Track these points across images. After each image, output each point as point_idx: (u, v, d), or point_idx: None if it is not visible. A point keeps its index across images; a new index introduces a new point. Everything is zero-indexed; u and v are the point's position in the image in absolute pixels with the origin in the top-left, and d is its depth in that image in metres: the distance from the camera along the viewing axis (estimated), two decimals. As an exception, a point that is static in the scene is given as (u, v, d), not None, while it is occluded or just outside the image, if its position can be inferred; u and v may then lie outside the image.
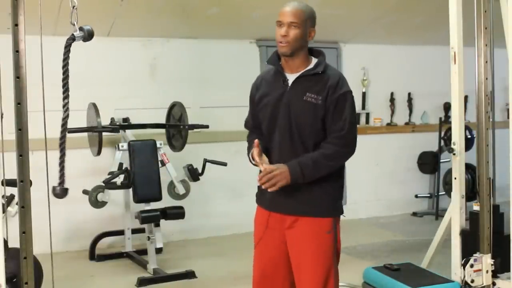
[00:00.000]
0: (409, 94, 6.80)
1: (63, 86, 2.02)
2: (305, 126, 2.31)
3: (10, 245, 2.42)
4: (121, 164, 4.56)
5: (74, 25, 2.06)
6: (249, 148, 2.43)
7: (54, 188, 2.02)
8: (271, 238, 2.41)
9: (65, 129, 2.02)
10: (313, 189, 2.34)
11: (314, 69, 2.34)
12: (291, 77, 2.36)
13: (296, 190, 2.32)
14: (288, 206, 2.36)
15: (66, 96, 2.02)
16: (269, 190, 2.25)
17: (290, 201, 2.35)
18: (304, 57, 2.38)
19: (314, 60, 2.39)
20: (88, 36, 2.09)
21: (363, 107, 6.57)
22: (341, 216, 2.45)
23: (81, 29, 2.09)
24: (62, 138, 2.02)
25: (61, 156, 2.01)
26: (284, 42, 2.29)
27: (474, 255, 3.02)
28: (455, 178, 3.16)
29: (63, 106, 2.01)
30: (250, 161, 2.40)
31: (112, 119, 5.01)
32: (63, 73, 2.02)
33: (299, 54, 2.34)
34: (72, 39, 2.04)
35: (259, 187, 2.47)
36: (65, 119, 2.01)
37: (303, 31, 2.30)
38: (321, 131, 2.33)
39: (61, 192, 2.02)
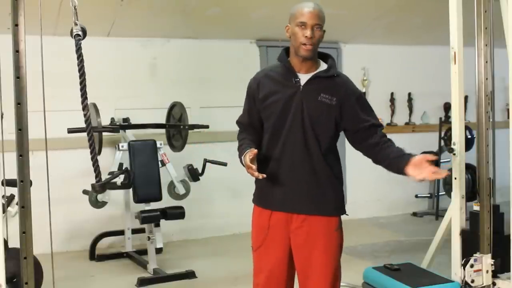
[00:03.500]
0: (409, 94, 6.80)
1: (81, 89, 2.02)
2: (319, 124, 2.33)
3: (10, 245, 2.42)
4: (121, 164, 4.56)
5: (77, 24, 2.06)
6: (242, 148, 2.38)
7: (93, 185, 2.10)
8: (275, 239, 2.38)
9: (90, 128, 2.03)
10: (324, 188, 2.36)
11: (328, 72, 2.37)
12: (303, 77, 2.36)
13: (306, 188, 2.34)
14: (298, 204, 2.35)
15: (85, 97, 2.02)
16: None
17: (300, 199, 2.35)
18: (316, 58, 2.41)
19: (323, 63, 2.42)
20: (84, 35, 2.10)
21: (363, 107, 6.56)
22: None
23: (82, 28, 2.09)
24: (90, 138, 2.04)
25: (92, 155, 2.03)
26: (309, 45, 2.28)
27: (474, 255, 3.02)
28: (455, 178, 3.15)
29: (83, 108, 2.01)
30: (241, 162, 2.36)
31: (112, 119, 5.02)
32: (80, 75, 2.03)
33: (314, 56, 2.37)
34: (80, 38, 2.04)
35: (258, 187, 2.47)
36: (88, 119, 2.02)
37: (323, 34, 2.34)
38: (333, 130, 2.37)
39: (100, 188, 2.10)
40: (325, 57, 2.45)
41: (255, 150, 2.26)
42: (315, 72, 2.37)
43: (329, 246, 2.37)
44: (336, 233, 2.40)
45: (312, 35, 2.27)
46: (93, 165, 2.03)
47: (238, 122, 2.56)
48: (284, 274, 2.41)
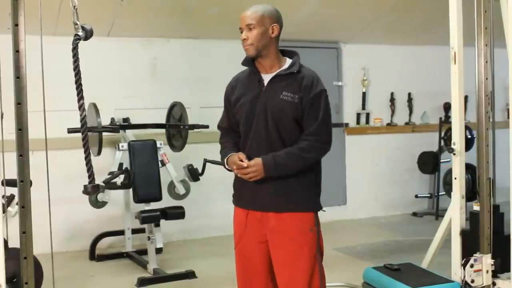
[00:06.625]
0: (409, 94, 6.81)
1: (77, 88, 2.01)
2: (282, 122, 2.36)
3: (10, 245, 2.42)
4: (121, 164, 4.56)
5: (76, 24, 2.06)
6: (225, 152, 2.51)
7: (85, 186, 2.04)
8: (251, 237, 2.43)
9: (85, 129, 2.03)
10: (292, 185, 2.38)
11: (289, 69, 2.40)
12: (266, 77, 2.41)
13: (275, 186, 2.37)
14: (268, 203, 2.38)
15: (81, 97, 2.01)
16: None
17: (270, 198, 2.38)
18: (275, 56, 2.42)
19: (288, 60, 2.45)
20: (90, 35, 2.09)
21: (363, 107, 6.57)
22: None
23: (83, 28, 2.09)
24: (85, 138, 2.03)
25: (86, 156, 2.02)
26: (247, 45, 2.37)
27: (474, 255, 3.02)
28: (455, 178, 3.16)
29: (79, 107, 2.01)
30: (225, 165, 2.48)
31: (112, 119, 5.02)
32: (75, 75, 2.01)
33: (268, 54, 2.39)
34: (78, 39, 2.04)
35: (234, 188, 2.53)
36: (83, 119, 2.02)
37: (262, 30, 2.35)
38: (297, 128, 2.38)
39: (92, 189, 2.05)
40: (292, 54, 2.47)
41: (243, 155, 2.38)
42: (277, 71, 2.40)
43: (303, 246, 2.38)
44: (311, 233, 2.40)
45: (245, 36, 2.36)
46: (87, 165, 2.02)
47: (218, 127, 2.67)
48: (262, 271, 2.44)
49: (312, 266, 2.39)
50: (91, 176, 2.03)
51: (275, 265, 2.41)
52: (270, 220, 2.39)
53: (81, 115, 2.01)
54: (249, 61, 2.45)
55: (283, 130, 2.36)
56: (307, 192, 2.42)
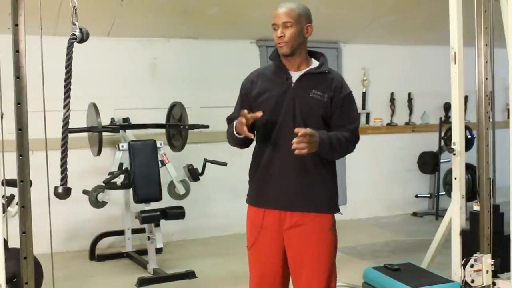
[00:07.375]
0: (409, 94, 6.81)
1: (65, 86, 2.01)
2: (310, 119, 2.35)
3: (10, 245, 2.42)
4: (121, 164, 4.56)
5: (75, 24, 2.06)
6: (232, 125, 2.42)
7: (56, 188, 1.99)
8: (268, 238, 2.40)
9: (66, 129, 2.02)
10: (316, 185, 2.37)
11: (319, 68, 2.41)
12: (294, 75, 2.41)
13: (298, 185, 2.35)
14: (290, 202, 2.36)
15: (67, 96, 2.01)
16: (296, 152, 2.20)
17: (292, 197, 2.36)
18: (305, 55, 2.44)
19: (315, 61, 2.46)
20: (86, 37, 2.09)
21: (363, 107, 6.57)
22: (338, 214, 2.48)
23: (80, 29, 2.09)
24: (64, 138, 2.01)
25: (63, 157, 2.00)
26: (282, 43, 2.36)
27: (474, 255, 3.02)
28: (455, 178, 3.16)
29: (64, 106, 2.00)
30: (233, 133, 2.38)
31: (112, 119, 5.02)
32: (66, 73, 2.01)
33: (300, 52, 2.40)
34: (74, 38, 2.04)
35: (251, 186, 2.50)
36: (66, 119, 2.01)
37: (298, 29, 2.36)
38: (323, 126, 2.37)
39: (63, 192, 1.99)
40: (317, 55, 2.49)
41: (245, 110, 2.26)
42: (306, 69, 2.41)
43: (323, 245, 2.37)
44: (330, 233, 2.40)
45: (282, 34, 2.35)
46: (61, 167, 1.99)
47: (228, 119, 2.57)
48: (277, 273, 2.42)
49: (331, 266, 2.39)
50: (64, 178, 1.99)
51: (293, 265, 2.38)
52: (289, 219, 2.36)
53: (64, 114, 2.00)
54: (277, 57, 2.45)
55: (310, 127, 2.31)
56: (329, 193, 2.42)
